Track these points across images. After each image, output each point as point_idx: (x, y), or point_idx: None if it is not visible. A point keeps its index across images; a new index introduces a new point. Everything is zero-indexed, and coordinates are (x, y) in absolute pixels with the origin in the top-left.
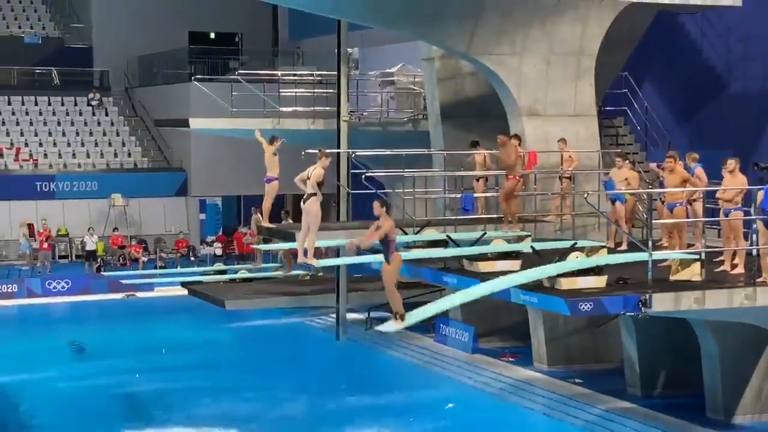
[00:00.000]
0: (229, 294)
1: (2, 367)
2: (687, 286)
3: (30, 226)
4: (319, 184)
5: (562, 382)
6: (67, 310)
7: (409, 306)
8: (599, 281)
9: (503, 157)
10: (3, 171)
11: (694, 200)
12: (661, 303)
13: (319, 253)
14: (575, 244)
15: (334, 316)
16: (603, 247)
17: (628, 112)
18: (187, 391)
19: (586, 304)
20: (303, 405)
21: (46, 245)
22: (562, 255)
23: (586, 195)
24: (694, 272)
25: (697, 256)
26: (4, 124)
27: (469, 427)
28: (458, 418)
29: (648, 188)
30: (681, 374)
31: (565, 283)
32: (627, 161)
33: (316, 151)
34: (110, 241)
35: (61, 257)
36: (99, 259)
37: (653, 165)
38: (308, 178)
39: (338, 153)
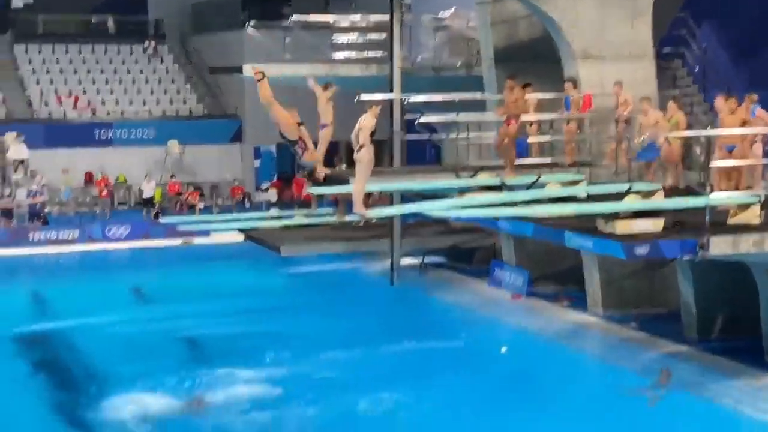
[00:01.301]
0: (284, 240)
1: (66, 312)
2: (745, 228)
3: (88, 174)
4: (371, 134)
5: (617, 326)
6: (127, 255)
7: (463, 252)
8: (656, 224)
9: (508, 101)
10: (62, 120)
11: (754, 142)
12: (719, 246)
13: (373, 201)
14: (630, 188)
15: (389, 261)
16: (659, 190)
17: (686, 53)
18: (244, 335)
19: (642, 248)
20: (357, 349)
21: (105, 192)
22: (619, 198)
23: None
24: (753, 215)
25: (757, 199)
26: (61, 72)
27: (523, 371)
28: (512, 362)
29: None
30: (738, 318)
31: (621, 227)
32: (673, 103)
33: (369, 98)
34: (167, 188)
35: (120, 204)
36: (156, 206)
37: (719, 100)
38: (360, 129)
39: (391, 99)
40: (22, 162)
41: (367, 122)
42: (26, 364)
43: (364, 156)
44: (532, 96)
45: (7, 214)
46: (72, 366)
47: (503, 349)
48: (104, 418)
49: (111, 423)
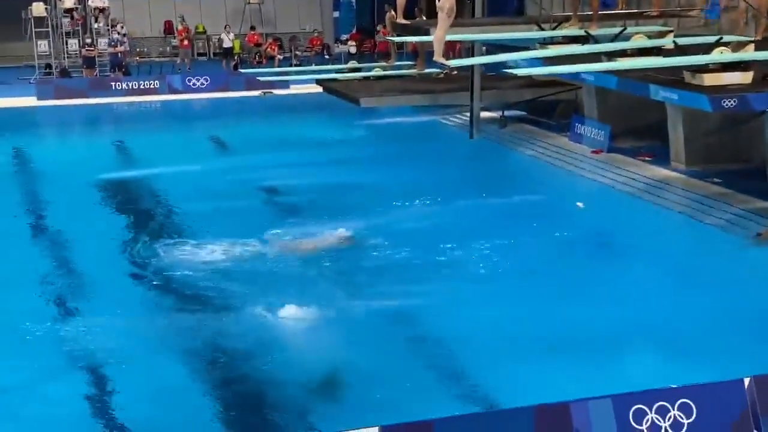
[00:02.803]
0: (363, 91)
1: (147, 161)
2: None
3: (168, 23)
4: None
5: (700, 181)
6: (207, 106)
7: (544, 106)
8: (745, 77)
9: None
10: None
11: None
12: None
13: (453, 50)
14: (720, 39)
15: (468, 114)
16: (749, 41)
17: None
18: (322, 186)
19: (729, 101)
20: (436, 201)
21: (185, 42)
22: (707, 49)
23: None
24: None
25: None
26: None
27: (604, 225)
28: (593, 215)
29: None
30: None
31: (709, 79)
32: None
33: None
34: (246, 38)
35: (199, 54)
36: (236, 57)
37: None
38: None
39: None
40: (102, 11)
41: None
42: (109, 209)
43: (446, 3)
44: None
45: (90, 63)
46: (152, 212)
47: (579, 205)
48: (182, 261)
49: (189, 266)
